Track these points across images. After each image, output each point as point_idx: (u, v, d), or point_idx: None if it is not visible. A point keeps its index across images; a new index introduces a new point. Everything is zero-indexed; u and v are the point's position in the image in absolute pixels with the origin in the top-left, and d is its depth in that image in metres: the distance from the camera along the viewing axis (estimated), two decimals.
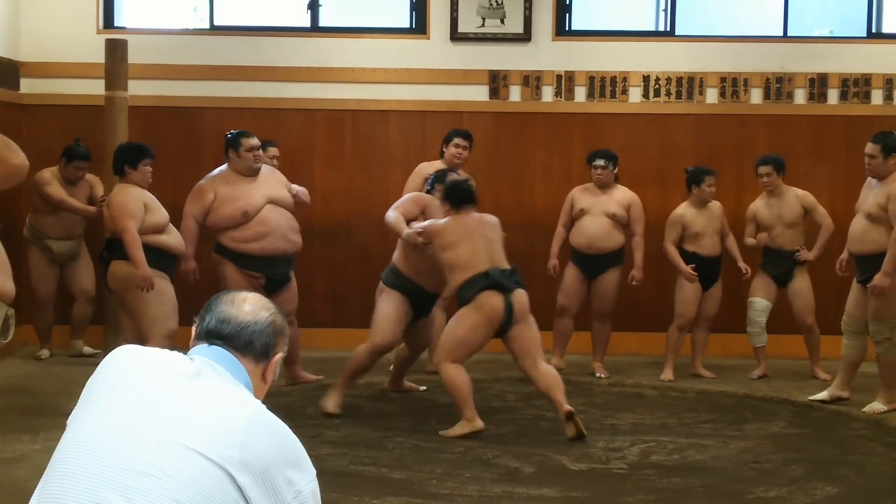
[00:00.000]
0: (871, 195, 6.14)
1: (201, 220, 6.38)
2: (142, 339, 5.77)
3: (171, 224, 6.05)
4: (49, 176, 7.29)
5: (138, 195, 5.88)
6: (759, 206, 7.19)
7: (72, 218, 7.34)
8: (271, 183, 6.51)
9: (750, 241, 7.23)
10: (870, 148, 6.16)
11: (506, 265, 5.70)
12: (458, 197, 5.82)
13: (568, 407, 5.54)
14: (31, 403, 6.23)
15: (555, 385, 5.60)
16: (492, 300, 5.56)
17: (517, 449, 5.38)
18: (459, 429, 5.60)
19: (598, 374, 7.18)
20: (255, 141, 6.46)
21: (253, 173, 6.44)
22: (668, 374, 7.18)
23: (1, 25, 7.68)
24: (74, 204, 7.25)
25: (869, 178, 6.26)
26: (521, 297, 5.64)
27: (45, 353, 7.52)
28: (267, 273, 6.40)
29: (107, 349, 7.22)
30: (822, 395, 6.48)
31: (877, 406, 6.21)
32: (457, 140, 7.02)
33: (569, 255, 7.28)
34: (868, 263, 6.12)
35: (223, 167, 6.53)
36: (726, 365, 7.48)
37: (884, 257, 5.97)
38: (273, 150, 7.14)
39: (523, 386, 6.85)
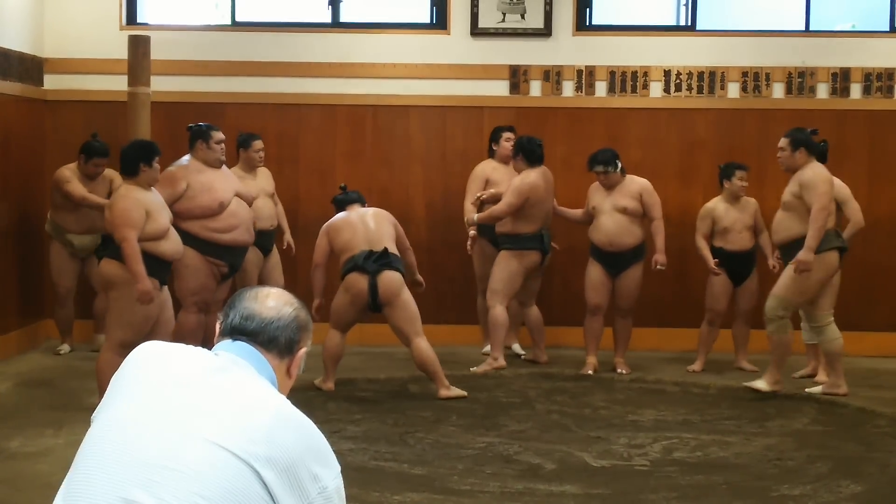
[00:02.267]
0: (787, 187, 6.42)
1: (169, 204, 6.10)
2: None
3: (171, 228, 5.88)
4: (69, 174, 7.32)
5: (143, 201, 5.68)
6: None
7: (92, 213, 7.38)
8: (233, 178, 6.73)
9: (704, 251, 7.20)
10: (781, 142, 6.42)
11: (380, 249, 6.32)
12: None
13: (444, 392, 6.28)
14: (54, 397, 6.26)
15: (428, 362, 6.31)
16: (356, 281, 6.32)
17: (539, 445, 5.37)
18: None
19: (619, 371, 7.16)
20: (222, 135, 6.67)
21: (219, 165, 6.62)
22: (695, 367, 7.19)
23: (25, 22, 7.72)
24: (95, 200, 7.29)
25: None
26: (386, 278, 6.28)
27: (65, 347, 7.56)
28: (230, 262, 6.58)
29: None
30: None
31: (759, 384, 6.40)
32: (506, 134, 7.45)
33: (589, 251, 7.24)
34: (788, 251, 6.36)
35: (187, 157, 6.61)
36: (761, 360, 7.33)
37: (800, 242, 6.20)
38: (258, 144, 7.22)
39: (544, 382, 6.87)
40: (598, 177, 7.12)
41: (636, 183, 7.14)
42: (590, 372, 7.10)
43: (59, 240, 7.45)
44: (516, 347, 7.73)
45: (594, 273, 7.20)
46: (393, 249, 6.41)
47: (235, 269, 6.72)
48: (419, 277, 6.75)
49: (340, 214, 6.65)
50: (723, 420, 5.98)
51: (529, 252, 7.17)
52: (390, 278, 6.29)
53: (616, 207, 7.07)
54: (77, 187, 7.28)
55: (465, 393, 6.38)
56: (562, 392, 6.60)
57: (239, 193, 6.64)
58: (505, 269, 7.19)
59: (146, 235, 5.66)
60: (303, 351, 2.24)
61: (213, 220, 6.47)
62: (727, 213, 7.19)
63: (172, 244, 5.83)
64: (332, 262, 6.62)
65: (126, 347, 5.30)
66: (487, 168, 7.52)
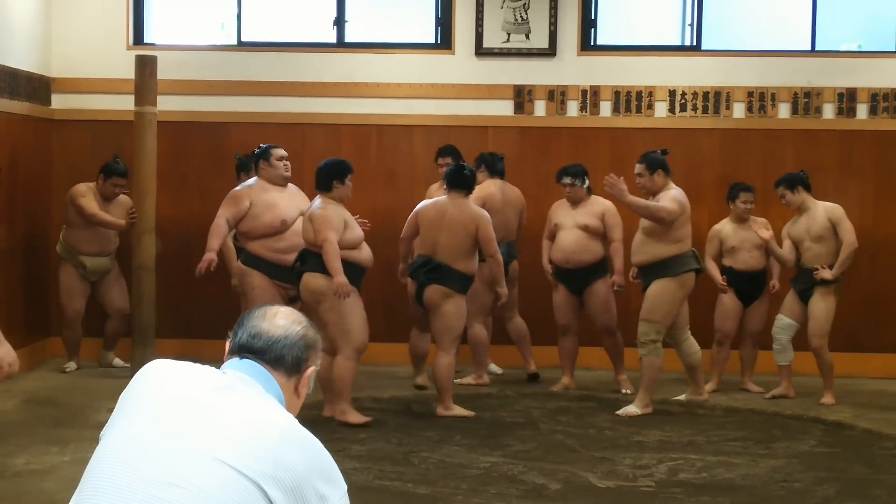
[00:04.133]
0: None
1: (233, 224, 6.50)
2: (333, 351, 6.01)
3: (363, 242, 6.22)
4: (84, 189, 7.37)
5: (341, 213, 6.06)
6: (792, 222, 7.08)
7: (105, 234, 7.39)
8: (300, 199, 6.65)
9: (713, 271, 7.23)
10: (637, 168, 6.63)
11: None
12: None
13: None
14: (60, 415, 6.26)
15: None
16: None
17: (543, 465, 5.36)
18: None
19: (623, 391, 7.14)
20: (283, 151, 6.64)
21: (283, 182, 6.60)
22: (709, 387, 7.17)
23: (33, 42, 7.75)
24: (105, 217, 7.31)
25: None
26: (430, 290, 6.38)
27: (71, 365, 7.56)
28: (297, 285, 6.35)
29: (135, 362, 7.27)
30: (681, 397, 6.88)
31: (631, 409, 6.51)
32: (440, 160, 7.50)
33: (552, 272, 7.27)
34: (648, 273, 6.61)
35: (253, 179, 6.64)
36: (769, 382, 7.31)
37: (661, 265, 6.53)
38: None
39: (549, 402, 6.85)
40: (565, 189, 7.14)
41: (601, 204, 7.15)
42: (556, 389, 7.18)
43: (72, 261, 7.46)
44: (493, 367, 7.70)
45: (558, 293, 7.26)
46: (459, 263, 6.37)
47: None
48: (499, 289, 6.63)
49: (437, 202, 6.53)
50: (728, 441, 5.95)
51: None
52: (433, 291, 6.36)
53: (577, 224, 7.07)
54: (90, 203, 7.31)
55: (469, 413, 6.36)
56: (566, 412, 6.58)
57: (304, 213, 6.53)
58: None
59: (344, 244, 6.00)
60: (311, 370, 2.24)
61: (277, 240, 6.44)
62: (735, 233, 7.20)
63: (367, 255, 6.20)
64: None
65: (363, 351, 6.08)
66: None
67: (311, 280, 6.03)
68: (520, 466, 5.32)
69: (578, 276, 7.13)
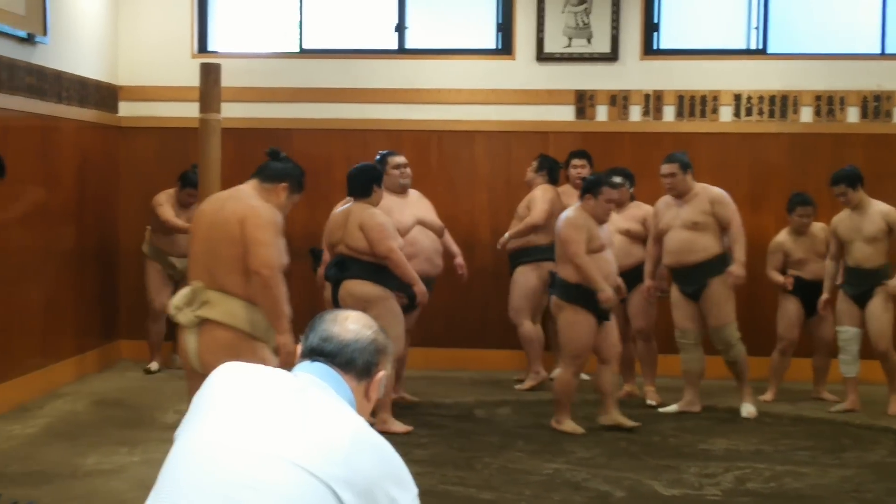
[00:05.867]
0: (687, 209, 6.63)
1: None
2: None
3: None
4: (163, 198, 7.56)
5: (388, 219, 6.07)
6: (840, 218, 6.92)
7: (184, 238, 7.48)
8: (422, 205, 6.61)
9: (776, 277, 7.15)
10: (668, 168, 6.66)
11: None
12: None
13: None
14: (128, 416, 6.35)
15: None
16: None
17: (607, 472, 5.31)
18: None
19: (649, 401, 7.02)
20: (400, 158, 6.60)
21: (401, 190, 6.55)
22: (767, 396, 7.07)
23: (101, 51, 7.88)
24: (177, 224, 7.46)
25: (667, 196, 6.74)
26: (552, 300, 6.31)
27: (154, 365, 7.73)
28: (408, 293, 6.23)
29: None
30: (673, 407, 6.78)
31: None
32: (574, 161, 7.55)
33: None
34: (700, 271, 6.59)
35: None
36: (838, 391, 7.19)
37: (713, 262, 6.55)
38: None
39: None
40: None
41: (642, 209, 7.10)
42: (619, 396, 7.01)
43: (160, 261, 7.68)
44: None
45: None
46: (563, 270, 6.31)
47: (417, 301, 6.31)
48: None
49: (583, 214, 6.16)
50: (797, 450, 5.85)
51: (546, 263, 7.14)
52: (552, 301, 6.31)
53: (619, 229, 7.01)
54: (167, 211, 7.51)
55: (580, 430, 6.15)
56: (629, 419, 6.51)
57: (423, 221, 6.53)
58: (524, 285, 7.28)
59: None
60: (381, 374, 2.24)
61: None
62: (797, 245, 7.08)
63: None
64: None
65: (403, 360, 6.37)
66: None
67: (358, 287, 5.98)
68: (583, 473, 5.29)
69: (626, 280, 7.05)
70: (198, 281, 4.33)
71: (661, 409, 6.77)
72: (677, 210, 6.69)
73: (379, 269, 5.98)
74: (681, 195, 6.66)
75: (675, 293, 6.77)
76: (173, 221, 7.50)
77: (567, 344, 6.14)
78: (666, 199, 6.81)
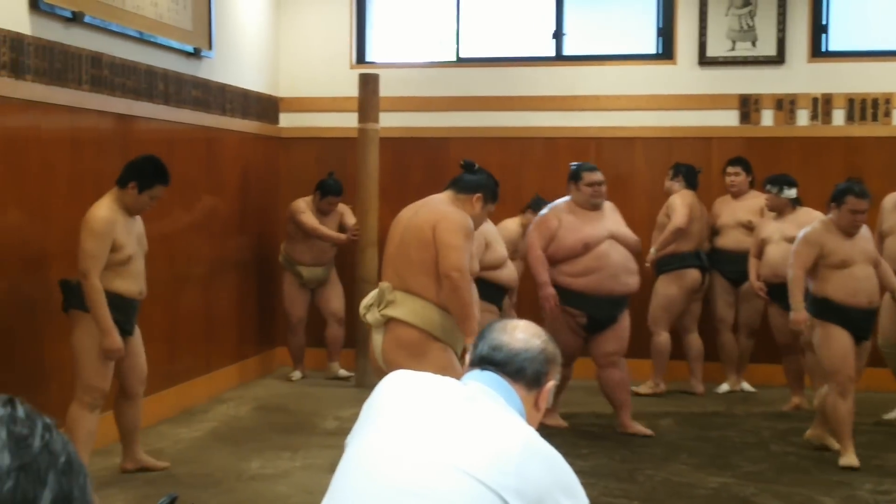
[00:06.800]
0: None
1: (545, 248, 6.12)
2: None
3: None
4: (303, 205, 7.59)
5: (481, 231, 5.81)
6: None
7: (322, 245, 7.61)
8: (615, 219, 6.24)
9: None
10: (735, 168, 7.33)
11: None
12: None
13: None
14: (290, 422, 6.44)
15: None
16: None
17: (777, 488, 5.12)
18: None
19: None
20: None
21: (592, 208, 6.16)
22: None
23: (262, 64, 8.07)
24: (325, 232, 7.53)
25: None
26: None
27: (296, 374, 7.80)
28: (588, 311, 6.04)
29: (358, 373, 7.44)
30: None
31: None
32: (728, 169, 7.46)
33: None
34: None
35: (566, 198, 6.28)
36: None
37: None
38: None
39: (779, 422, 6.57)
40: (767, 196, 6.89)
41: (810, 215, 6.75)
42: (786, 409, 6.92)
43: (291, 270, 7.72)
44: (745, 385, 7.47)
45: (773, 311, 6.95)
46: None
47: (600, 320, 6.08)
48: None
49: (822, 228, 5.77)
50: None
51: (689, 270, 7.03)
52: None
53: (784, 237, 6.73)
54: (310, 218, 7.54)
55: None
56: (798, 433, 6.26)
57: (615, 236, 6.12)
58: (664, 295, 7.20)
59: (487, 264, 5.85)
60: (551, 384, 2.24)
61: (571, 264, 6.04)
62: None
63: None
64: None
65: None
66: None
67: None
68: (751, 488, 5.11)
69: (781, 291, 6.79)
70: (386, 282, 4.48)
71: (885, 417, 6.55)
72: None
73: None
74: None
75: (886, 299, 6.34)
76: (320, 230, 7.49)
77: (822, 362, 5.69)
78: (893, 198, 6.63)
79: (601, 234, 6.07)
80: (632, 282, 6.15)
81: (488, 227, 5.96)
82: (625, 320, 6.24)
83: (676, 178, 7.39)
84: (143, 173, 4.88)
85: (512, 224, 7.19)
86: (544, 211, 6.31)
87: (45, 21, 5.22)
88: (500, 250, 6.08)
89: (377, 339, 4.47)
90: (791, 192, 6.84)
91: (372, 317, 4.44)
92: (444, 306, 4.38)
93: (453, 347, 4.45)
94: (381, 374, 4.30)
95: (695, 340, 7.45)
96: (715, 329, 7.46)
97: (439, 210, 4.49)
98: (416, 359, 4.23)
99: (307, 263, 7.66)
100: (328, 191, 7.56)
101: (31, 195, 5.14)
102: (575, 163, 6.48)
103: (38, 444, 0.86)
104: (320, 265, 7.70)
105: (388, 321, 4.43)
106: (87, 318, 4.76)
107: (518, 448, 1.95)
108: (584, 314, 6.04)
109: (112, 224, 4.76)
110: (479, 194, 4.60)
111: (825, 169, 7.59)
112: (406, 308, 4.39)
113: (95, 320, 4.71)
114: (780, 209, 6.85)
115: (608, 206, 6.34)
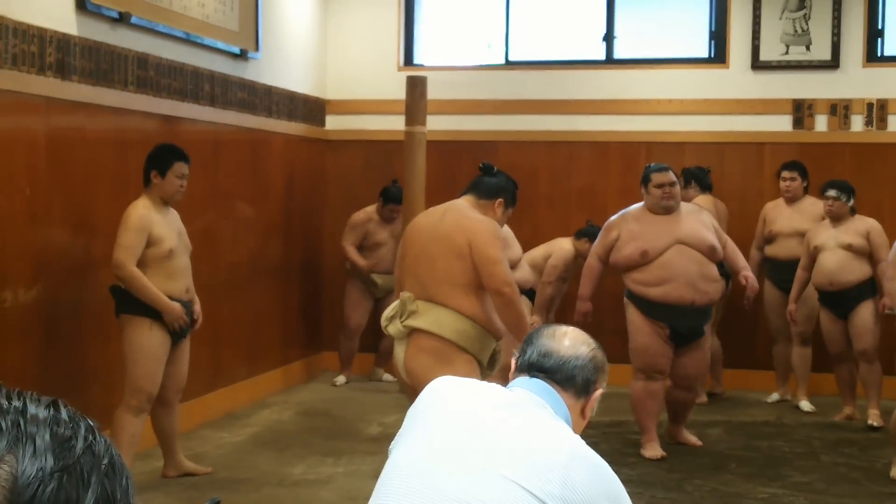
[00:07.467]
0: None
1: (605, 258, 5.93)
2: None
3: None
4: (356, 221, 7.62)
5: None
6: None
7: (388, 254, 7.52)
8: (689, 222, 5.81)
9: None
10: (791, 174, 7.10)
11: None
12: None
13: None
14: (333, 427, 6.41)
15: None
16: None
17: (827, 499, 5.00)
18: None
19: (870, 422, 6.55)
20: (666, 176, 5.83)
21: (662, 211, 5.82)
22: None
23: (309, 66, 8.06)
24: (353, 256, 7.57)
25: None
26: None
27: (340, 379, 7.77)
28: (670, 323, 5.77)
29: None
30: None
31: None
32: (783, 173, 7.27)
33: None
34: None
35: (638, 204, 6.01)
36: None
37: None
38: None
39: (830, 432, 6.44)
40: (827, 203, 6.71)
41: (865, 222, 6.65)
42: (837, 419, 6.78)
43: (359, 278, 7.68)
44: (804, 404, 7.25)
45: (825, 319, 6.80)
46: None
47: (683, 334, 5.82)
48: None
49: None
50: None
51: None
52: None
53: (840, 244, 6.59)
54: (347, 237, 7.60)
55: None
56: (849, 444, 6.14)
57: (685, 241, 5.73)
58: None
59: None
60: (598, 392, 2.21)
61: (641, 273, 5.77)
62: None
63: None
64: None
65: None
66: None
67: None
68: (801, 499, 5.00)
69: (844, 299, 6.66)
70: (407, 292, 4.35)
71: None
72: None
73: None
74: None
75: None
76: (348, 251, 7.56)
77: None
78: None
79: (664, 241, 5.72)
80: (711, 290, 5.78)
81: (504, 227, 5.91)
82: (707, 340, 6.00)
83: (690, 185, 7.16)
84: (158, 158, 4.91)
85: (566, 245, 7.10)
86: (613, 217, 6.05)
87: (92, 21, 5.23)
88: (517, 250, 6.07)
89: (399, 350, 4.36)
90: (853, 200, 6.71)
91: (394, 328, 4.32)
92: (471, 315, 4.27)
93: (478, 359, 4.33)
94: (405, 387, 4.25)
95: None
96: (771, 339, 7.32)
97: (469, 218, 4.35)
98: (439, 368, 4.04)
99: (380, 271, 7.62)
100: (390, 198, 7.53)
101: (76, 196, 5.15)
102: (648, 165, 6.16)
103: (81, 446, 0.86)
104: (390, 273, 7.65)
105: (411, 332, 4.31)
106: (138, 321, 4.75)
107: (564, 456, 1.92)
108: (665, 325, 5.79)
109: (146, 218, 4.78)
110: (500, 199, 4.49)
111: (879, 176, 7.43)
112: (429, 318, 4.27)
113: (149, 302, 4.71)
114: (841, 216, 6.70)
115: (688, 208, 5.98)
